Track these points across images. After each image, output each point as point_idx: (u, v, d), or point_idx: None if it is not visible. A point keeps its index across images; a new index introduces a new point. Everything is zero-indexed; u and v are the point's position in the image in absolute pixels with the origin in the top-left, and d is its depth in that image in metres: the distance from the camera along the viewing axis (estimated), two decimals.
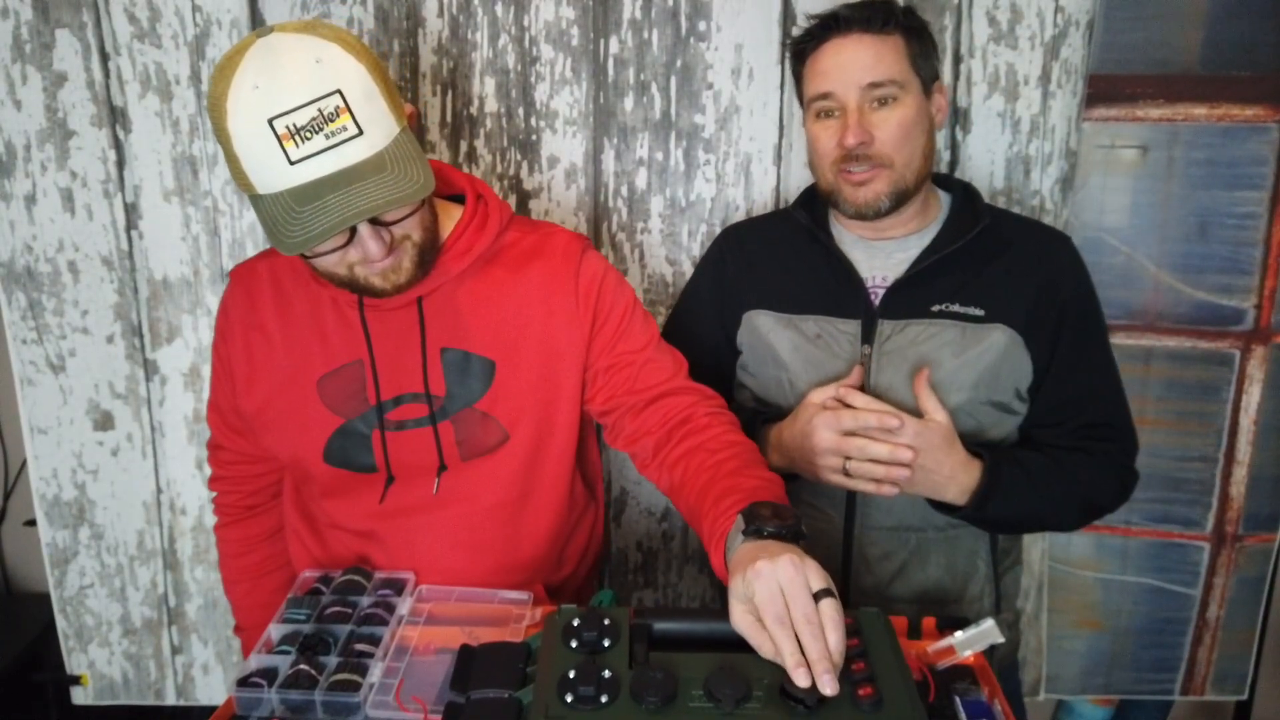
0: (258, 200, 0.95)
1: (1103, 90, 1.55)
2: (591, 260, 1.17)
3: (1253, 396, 1.66)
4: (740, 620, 0.86)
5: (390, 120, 0.95)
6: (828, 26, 1.20)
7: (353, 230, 0.96)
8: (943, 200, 1.31)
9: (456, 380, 1.13)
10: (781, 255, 1.33)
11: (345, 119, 0.91)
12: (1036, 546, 1.73)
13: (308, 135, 0.90)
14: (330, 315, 1.13)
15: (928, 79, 1.22)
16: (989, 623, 0.94)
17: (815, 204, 1.33)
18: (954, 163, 1.56)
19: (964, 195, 1.29)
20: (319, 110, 0.90)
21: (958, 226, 1.25)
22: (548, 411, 1.16)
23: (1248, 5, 1.51)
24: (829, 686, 0.79)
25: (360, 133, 0.91)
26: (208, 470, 1.66)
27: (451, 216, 1.14)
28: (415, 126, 1.03)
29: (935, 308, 1.22)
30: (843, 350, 1.24)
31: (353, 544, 1.20)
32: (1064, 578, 1.77)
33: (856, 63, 1.17)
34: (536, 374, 1.14)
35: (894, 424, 1.14)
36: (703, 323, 1.38)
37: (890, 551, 1.26)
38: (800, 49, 1.24)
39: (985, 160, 1.56)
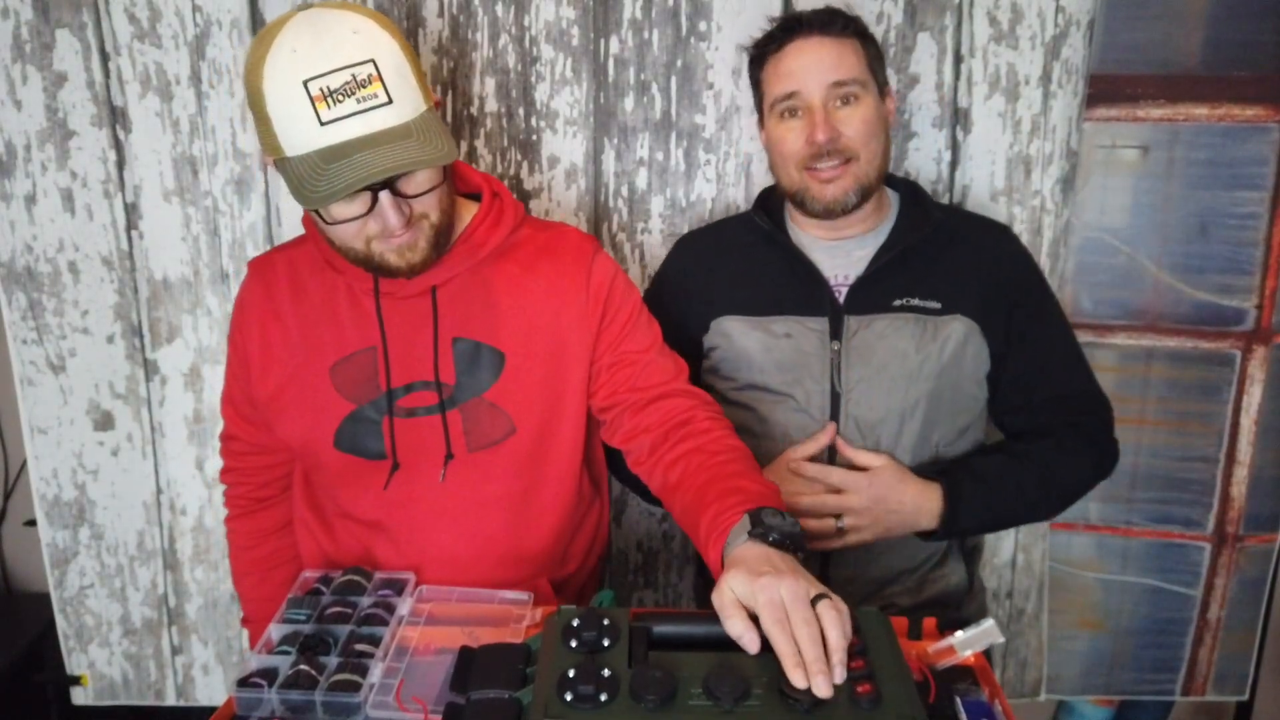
0: (284, 163, 0.98)
1: (1103, 90, 1.55)
2: (603, 261, 1.20)
3: (1253, 397, 1.66)
4: (721, 598, 0.87)
5: (419, 97, 0.99)
6: (789, 29, 1.24)
7: (374, 201, 0.99)
8: (891, 198, 1.35)
9: (466, 370, 1.15)
10: (743, 260, 1.35)
11: (377, 87, 0.94)
12: (1037, 547, 1.73)
13: (340, 98, 0.93)
14: (345, 303, 1.16)
15: (881, 84, 1.28)
16: (989, 622, 0.95)
17: (771, 208, 1.36)
18: (954, 163, 1.56)
19: (911, 192, 1.34)
20: (353, 75, 0.93)
21: (910, 222, 1.30)
22: (554, 405, 1.17)
23: (1248, 5, 1.51)
24: (824, 689, 0.79)
25: (390, 101, 0.95)
26: (208, 470, 1.68)
27: (469, 211, 1.17)
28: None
29: (897, 302, 1.27)
30: (812, 348, 1.28)
31: (361, 534, 1.21)
32: (1064, 578, 1.77)
33: (821, 63, 1.22)
34: (545, 368, 1.16)
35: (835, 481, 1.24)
36: (665, 330, 1.36)
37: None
38: (760, 53, 1.28)
39: (986, 160, 1.56)
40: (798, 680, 0.80)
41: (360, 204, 0.99)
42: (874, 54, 1.27)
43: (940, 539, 1.27)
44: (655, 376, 1.18)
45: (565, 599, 1.27)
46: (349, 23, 0.96)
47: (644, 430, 1.16)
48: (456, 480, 1.16)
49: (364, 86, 0.94)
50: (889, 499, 1.23)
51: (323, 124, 0.93)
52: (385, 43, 0.96)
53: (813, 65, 1.22)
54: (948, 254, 1.29)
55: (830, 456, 1.28)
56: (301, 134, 0.94)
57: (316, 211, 1.00)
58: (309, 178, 0.95)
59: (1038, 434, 1.31)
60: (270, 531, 1.34)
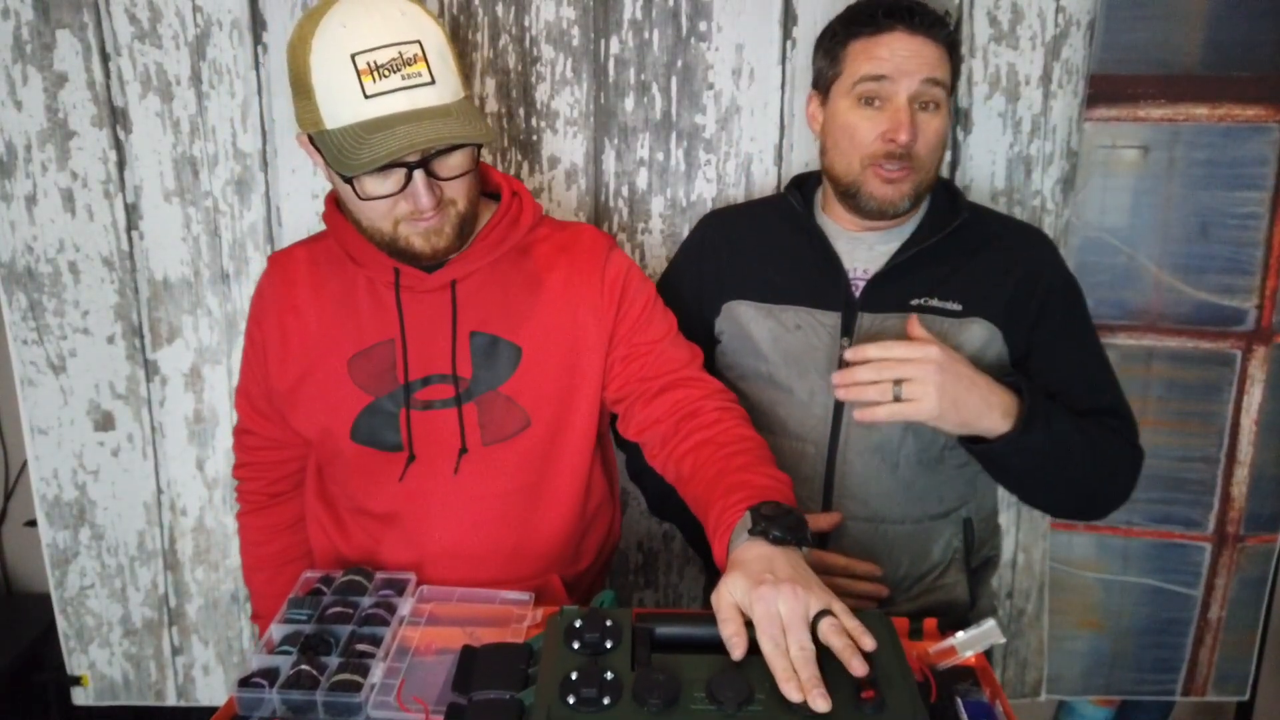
0: (323, 135, 1.00)
1: (1104, 90, 1.55)
2: (617, 257, 1.22)
3: (1254, 397, 1.66)
4: (719, 600, 0.88)
5: (458, 84, 1.03)
6: (894, 15, 1.17)
7: (408, 179, 1.01)
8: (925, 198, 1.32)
9: (483, 363, 1.16)
10: (766, 244, 1.33)
11: (421, 66, 0.98)
12: (1037, 547, 1.73)
13: (385, 73, 0.96)
14: (365, 296, 1.17)
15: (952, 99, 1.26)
16: (990, 623, 0.94)
17: (804, 192, 1.33)
18: (955, 163, 1.56)
19: (945, 192, 1.31)
20: (399, 52, 0.97)
21: (938, 221, 1.27)
22: (569, 400, 1.18)
23: (1248, 5, 1.51)
24: (820, 703, 0.79)
25: (433, 82, 0.98)
26: (208, 470, 1.68)
27: (488, 209, 1.19)
28: None
29: (914, 301, 1.23)
30: (821, 342, 1.26)
31: (372, 528, 1.22)
32: (1065, 578, 1.77)
33: (919, 57, 1.17)
34: (560, 363, 1.17)
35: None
36: (680, 308, 1.35)
37: (865, 544, 1.27)
38: (855, 29, 1.20)
39: (986, 160, 1.56)
40: (790, 694, 0.80)
41: (394, 181, 1.01)
42: (955, 70, 1.24)
43: (1002, 449, 1.12)
44: (666, 365, 1.19)
45: (577, 596, 1.28)
46: (397, 5, 0.99)
47: (655, 421, 1.17)
48: (470, 473, 1.17)
49: (410, 64, 0.97)
50: (959, 369, 1.09)
51: (367, 96, 0.96)
52: (430, 27, 1.00)
53: (912, 58, 1.17)
54: (977, 256, 1.25)
55: (832, 454, 1.26)
56: (345, 106, 0.97)
57: (350, 183, 1.01)
58: (350, 147, 0.97)
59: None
60: (283, 527, 1.35)
